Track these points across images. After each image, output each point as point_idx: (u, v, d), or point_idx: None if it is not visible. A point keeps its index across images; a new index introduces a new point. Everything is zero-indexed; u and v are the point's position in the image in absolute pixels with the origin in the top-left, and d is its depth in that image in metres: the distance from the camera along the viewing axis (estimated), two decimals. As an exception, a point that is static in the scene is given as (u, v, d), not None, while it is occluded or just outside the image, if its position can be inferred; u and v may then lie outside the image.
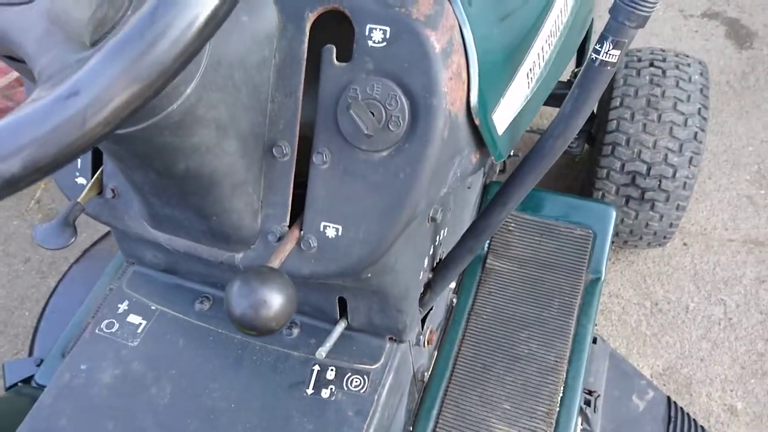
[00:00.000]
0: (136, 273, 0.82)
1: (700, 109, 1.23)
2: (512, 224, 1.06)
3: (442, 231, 0.80)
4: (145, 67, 0.30)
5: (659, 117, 1.22)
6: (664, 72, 1.25)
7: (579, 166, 1.58)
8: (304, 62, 0.55)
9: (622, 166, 1.24)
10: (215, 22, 0.32)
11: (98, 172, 0.66)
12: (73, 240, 0.60)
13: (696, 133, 1.22)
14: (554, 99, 1.06)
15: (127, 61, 0.30)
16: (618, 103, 1.23)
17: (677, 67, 1.25)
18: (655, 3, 0.50)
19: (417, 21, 0.51)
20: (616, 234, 1.32)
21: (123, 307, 0.79)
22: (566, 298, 0.99)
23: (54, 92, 0.30)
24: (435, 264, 0.80)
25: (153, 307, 0.78)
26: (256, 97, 0.55)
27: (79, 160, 0.67)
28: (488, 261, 1.04)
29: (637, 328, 1.34)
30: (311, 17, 0.54)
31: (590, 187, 1.30)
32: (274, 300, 0.49)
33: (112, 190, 0.66)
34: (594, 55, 0.55)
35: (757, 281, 1.39)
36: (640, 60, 1.28)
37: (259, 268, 0.51)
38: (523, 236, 1.05)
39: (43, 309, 1.21)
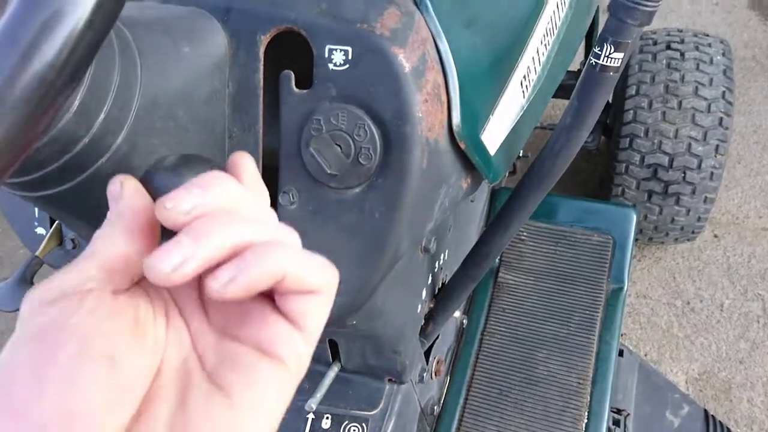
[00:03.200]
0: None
1: (724, 92, 1.13)
2: (524, 233, 0.98)
3: (442, 255, 0.72)
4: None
5: (680, 104, 1.12)
6: (682, 55, 1.15)
7: (596, 159, 1.49)
8: (261, 91, 0.48)
9: (642, 158, 1.15)
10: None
11: (56, 222, 0.61)
12: None
13: (721, 118, 1.12)
14: (564, 90, 0.97)
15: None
16: (634, 92, 1.14)
17: (696, 48, 1.15)
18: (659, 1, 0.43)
19: (381, 37, 0.43)
20: (640, 231, 1.24)
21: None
22: (587, 312, 0.91)
23: None
24: (437, 290, 0.73)
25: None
26: (208, 135, 0.48)
27: (36, 209, 0.62)
28: (500, 274, 0.97)
29: (669, 331, 1.25)
30: (264, 41, 0.47)
31: (609, 183, 1.21)
32: None
33: (72, 241, 0.60)
34: (593, 60, 0.47)
35: (797, 272, 1.29)
36: (655, 43, 1.19)
37: None
38: (537, 246, 0.97)
39: None
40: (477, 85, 0.49)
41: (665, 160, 1.13)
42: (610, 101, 1.34)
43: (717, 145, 1.12)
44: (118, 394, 0.21)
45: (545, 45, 0.58)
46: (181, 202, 0.23)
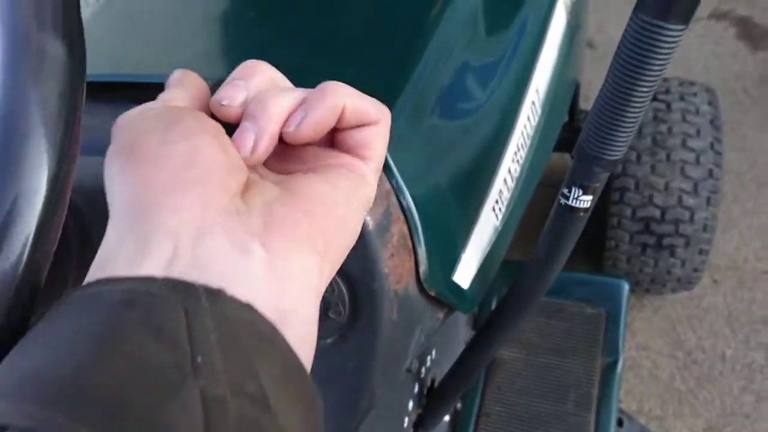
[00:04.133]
0: None
1: (712, 143, 1.12)
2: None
3: (429, 357, 0.71)
4: None
5: (668, 156, 1.11)
6: (668, 105, 1.14)
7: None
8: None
9: (633, 212, 1.13)
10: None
11: None
12: None
13: (711, 170, 1.11)
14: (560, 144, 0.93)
15: None
16: (621, 148, 1.13)
17: (682, 99, 1.15)
18: (624, 147, 0.42)
19: (342, 195, 0.43)
20: (636, 283, 1.22)
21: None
22: (582, 388, 0.89)
23: None
24: (425, 394, 0.72)
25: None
26: None
27: None
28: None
29: (671, 384, 1.23)
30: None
31: (602, 236, 1.20)
32: None
33: None
34: (562, 200, 0.46)
35: (799, 317, 1.26)
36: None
37: None
38: (530, 319, 0.96)
39: None
40: (445, 229, 0.48)
41: (657, 213, 1.11)
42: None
43: (708, 197, 1.10)
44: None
45: (517, 161, 0.58)
46: (234, 98, 0.26)
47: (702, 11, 1.83)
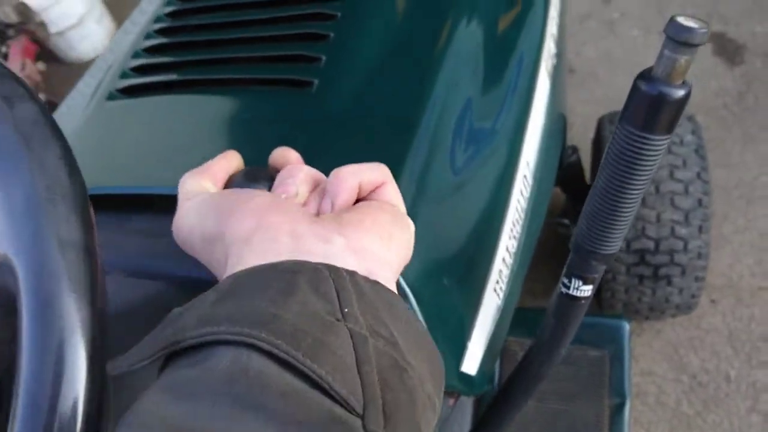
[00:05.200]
0: None
1: (699, 172, 1.14)
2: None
3: None
4: None
5: (657, 188, 1.13)
6: (653, 139, 1.17)
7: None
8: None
9: (628, 245, 1.15)
10: None
11: None
12: None
13: (700, 199, 1.13)
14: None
15: None
16: (611, 183, 1.15)
17: (666, 132, 1.17)
18: (619, 241, 0.43)
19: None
20: (635, 311, 1.23)
21: None
22: (592, 431, 0.91)
23: None
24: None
25: None
26: None
27: None
28: (502, 397, 0.96)
29: (678, 409, 1.24)
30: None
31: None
32: None
33: None
34: (563, 289, 0.47)
35: (798, 332, 1.28)
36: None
37: None
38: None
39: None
40: (449, 322, 0.49)
41: (651, 245, 1.13)
42: (589, 183, 1.35)
43: (700, 226, 1.12)
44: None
45: (514, 237, 0.59)
46: (290, 192, 0.35)
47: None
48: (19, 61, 1.78)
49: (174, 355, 0.26)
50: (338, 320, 0.26)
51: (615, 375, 0.93)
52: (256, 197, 0.33)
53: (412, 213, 0.49)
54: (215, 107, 0.57)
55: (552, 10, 0.76)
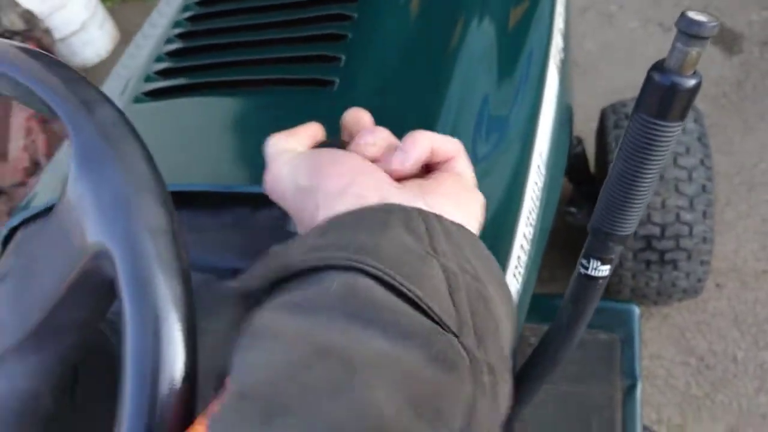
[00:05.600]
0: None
1: (702, 159, 1.17)
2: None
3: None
4: None
5: (661, 175, 1.16)
6: (657, 128, 1.19)
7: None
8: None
9: (634, 231, 1.18)
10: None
11: None
12: None
13: (704, 185, 1.15)
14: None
15: None
16: (616, 171, 1.17)
17: (669, 120, 1.19)
18: (635, 223, 0.46)
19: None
20: (643, 296, 1.26)
21: None
22: (605, 413, 0.93)
23: None
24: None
25: None
26: None
27: None
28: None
29: (687, 392, 1.27)
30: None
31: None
32: None
33: None
34: (582, 270, 0.50)
35: (802, 313, 1.31)
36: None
37: None
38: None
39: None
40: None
41: (657, 230, 1.16)
42: (594, 174, 1.37)
43: (704, 211, 1.15)
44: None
45: (530, 224, 0.62)
46: (373, 143, 0.38)
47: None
48: (27, 69, 1.80)
49: (281, 281, 0.29)
50: (430, 254, 0.29)
51: (626, 358, 0.95)
52: (349, 158, 0.36)
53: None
54: (240, 108, 0.60)
55: (559, 6, 0.79)
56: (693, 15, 0.37)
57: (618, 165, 0.43)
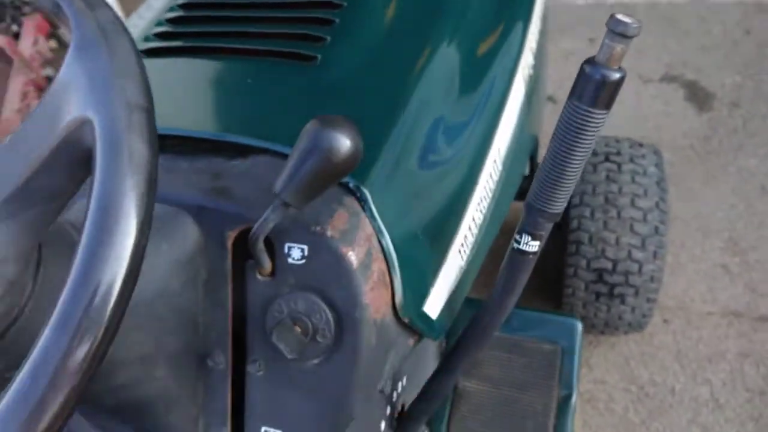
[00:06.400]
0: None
1: (658, 202, 1.23)
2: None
3: (400, 383, 0.79)
4: (79, 360, 0.30)
5: (619, 214, 1.21)
6: (619, 167, 1.25)
7: (551, 254, 1.58)
8: (230, 276, 0.55)
9: (588, 263, 1.23)
10: (100, 354, 0.32)
11: None
12: None
13: (657, 227, 1.21)
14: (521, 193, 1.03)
15: (60, 361, 0.30)
16: (578, 201, 1.24)
17: (632, 161, 1.26)
18: (564, 202, 0.51)
19: (333, 239, 0.51)
20: (592, 326, 1.32)
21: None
22: (539, 419, 0.98)
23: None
24: (397, 414, 0.79)
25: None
26: (183, 318, 0.55)
27: None
28: (460, 382, 1.03)
29: (625, 416, 1.32)
30: (232, 235, 0.54)
31: (561, 283, 1.30)
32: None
33: None
34: (515, 245, 0.55)
35: (740, 356, 1.37)
36: (596, 153, 1.30)
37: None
38: (493, 354, 1.04)
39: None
40: (417, 267, 0.57)
41: (609, 265, 1.21)
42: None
43: (655, 251, 1.21)
44: None
45: (480, 211, 0.67)
46: None
47: (654, 74, 2.00)
48: (32, 37, 1.85)
49: None
50: None
51: (565, 369, 1.00)
52: None
53: (396, 169, 0.57)
54: (227, 71, 0.65)
55: (533, 27, 0.86)
56: (620, 17, 0.43)
57: (552, 146, 0.49)
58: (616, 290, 1.22)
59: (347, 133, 0.45)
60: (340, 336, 0.53)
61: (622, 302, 1.23)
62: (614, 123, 1.82)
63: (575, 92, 0.46)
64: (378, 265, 0.53)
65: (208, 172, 0.56)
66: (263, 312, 0.54)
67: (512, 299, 0.58)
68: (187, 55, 0.67)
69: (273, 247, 0.53)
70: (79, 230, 0.46)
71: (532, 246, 0.54)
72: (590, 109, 0.46)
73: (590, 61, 0.46)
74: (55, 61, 2.03)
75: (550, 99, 1.96)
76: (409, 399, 0.81)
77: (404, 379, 0.81)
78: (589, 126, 0.46)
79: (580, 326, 1.04)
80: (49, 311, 0.41)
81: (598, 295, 1.24)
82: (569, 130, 0.47)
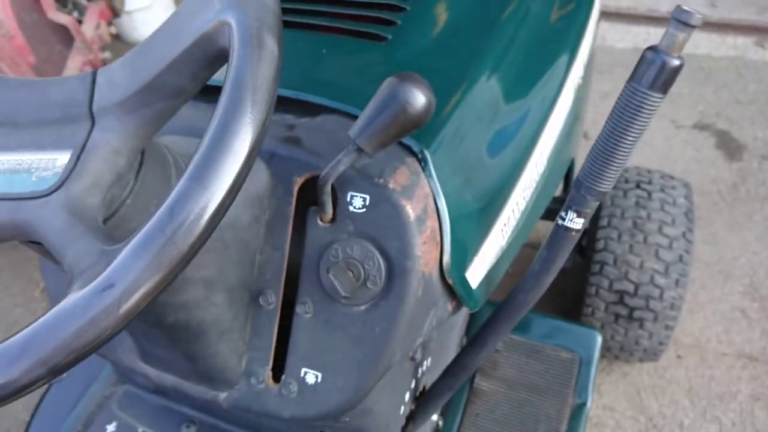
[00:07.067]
0: (127, 393, 0.84)
1: (684, 232, 1.26)
2: (501, 344, 1.08)
3: (425, 362, 0.82)
4: (167, 258, 0.34)
5: (645, 239, 1.24)
6: (649, 194, 1.29)
7: (574, 274, 1.60)
8: (292, 220, 0.60)
9: (610, 284, 1.25)
10: (223, 210, 0.36)
11: None
12: None
13: (681, 255, 1.24)
14: (549, 213, 1.08)
15: (152, 255, 0.34)
16: (606, 223, 1.27)
17: (662, 190, 1.29)
18: (612, 181, 0.55)
19: (394, 191, 0.55)
20: (607, 349, 1.33)
21: (111, 428, 0.81)
22: (552, 424, 0.99)
23: (90, 287, 0.34)
24: (418, 394, 0.82)
25: (140, 430, 0.80)
26: (245, 252, 0.59)
27: None
28: (476, 380, 1.05)
29: (632, 446, 1.32)
30: (299, 181, 0.59)
31: (581, 301, 1.32)
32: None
33: None
34: (560, 221, 0.59)
35: (752, 398, 1.38)
36: (627, 181, 1.33)
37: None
38: (511, 357, 1.06)
39: (36, 407, 1.22)
40: (465, 232, 0.61)
41: (631, 287, 1.24)
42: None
43: (677, 279, 1.23)
44: None
45: (523, 198, 0.71)
46: None
47: (687, 121, 2.05)
48: (95, 21, 1.94)
49: None
50: None
51: (581, 377, 1.02)
52: None
53: (455, 142, 0.61)
54: (305, 42, 0.70)
55: (585, 42, 0.91)
56: (685, 8, 0.48)
57: (607, 125, 0.53)
58: (636, 313, 1.23)
59: (423, 90, 0.50)
60: (389, 284, 0.56)
61: (641, 326, 1.24)
62: (644, 164, 1.86)
63: (635, 76, 0.50)
64: (431, 223, 0.57)
65: (283, 124, 0.61)
66: (319, 256, 0.58)
67: (549, 277, 0.61)
68: None
69: (336, 195, 0.57)
70: (174, 154, 0.51)
71: (577, 223, 0.58)
72: (648, 92, 0.50)
73: (653, 48, 0.50)
74: (112, 46, 2.12)
75: (584, 136, 2.01)
76: (431, 380, 0.84)
77: (429, 360, 0.84)
78: (645, 107, 0.50)
79: (599, 338, 1.06)
80: (144, 213, 0.46)
81: (617, 316, 1.26)
82: (626, 110, 0.51)
